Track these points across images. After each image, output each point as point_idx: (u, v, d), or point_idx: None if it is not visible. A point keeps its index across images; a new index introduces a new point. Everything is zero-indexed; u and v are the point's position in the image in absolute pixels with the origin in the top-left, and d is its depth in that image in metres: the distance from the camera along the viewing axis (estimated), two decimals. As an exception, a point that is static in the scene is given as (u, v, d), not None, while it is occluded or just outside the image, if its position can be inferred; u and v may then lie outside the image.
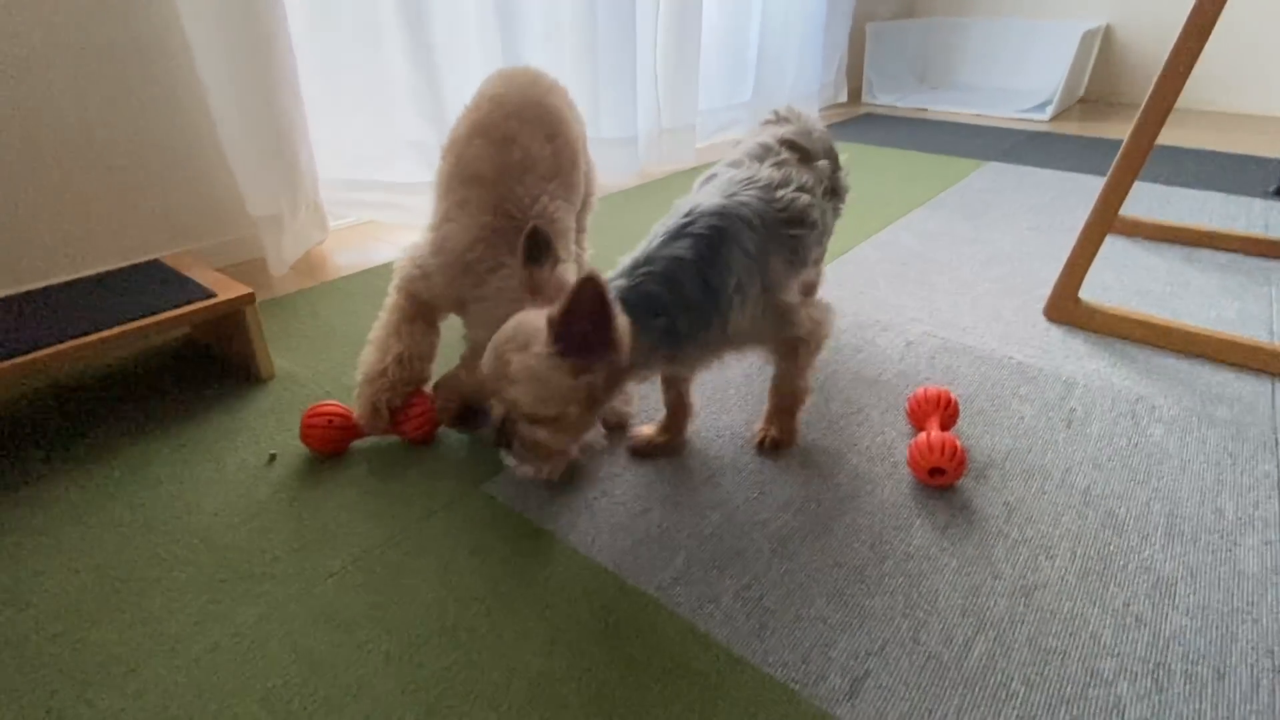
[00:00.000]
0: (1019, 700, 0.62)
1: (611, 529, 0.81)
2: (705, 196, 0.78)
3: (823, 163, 0.91)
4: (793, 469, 0.91)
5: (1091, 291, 1.38)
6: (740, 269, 0.74)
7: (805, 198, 0.82)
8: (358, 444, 0.95)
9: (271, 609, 0.70)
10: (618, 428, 0.97)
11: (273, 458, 0.92)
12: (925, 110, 3.31)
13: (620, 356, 0.67)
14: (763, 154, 0.87)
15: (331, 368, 1.12)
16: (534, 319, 0.68)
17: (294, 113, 1.41)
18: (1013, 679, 0.64)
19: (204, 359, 1.15)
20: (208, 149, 1.39)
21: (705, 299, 0.72)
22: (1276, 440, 0.96)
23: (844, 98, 3.38)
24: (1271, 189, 2.06)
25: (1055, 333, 1.26)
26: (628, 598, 0.72)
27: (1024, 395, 1.06)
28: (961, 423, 1.00)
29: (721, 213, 0.75)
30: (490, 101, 0.96)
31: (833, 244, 1.65)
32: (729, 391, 1.08)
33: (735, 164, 0.86)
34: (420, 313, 0.94)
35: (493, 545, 0.78)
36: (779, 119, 0.97)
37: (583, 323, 0.64)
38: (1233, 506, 0.84)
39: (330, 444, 0.91)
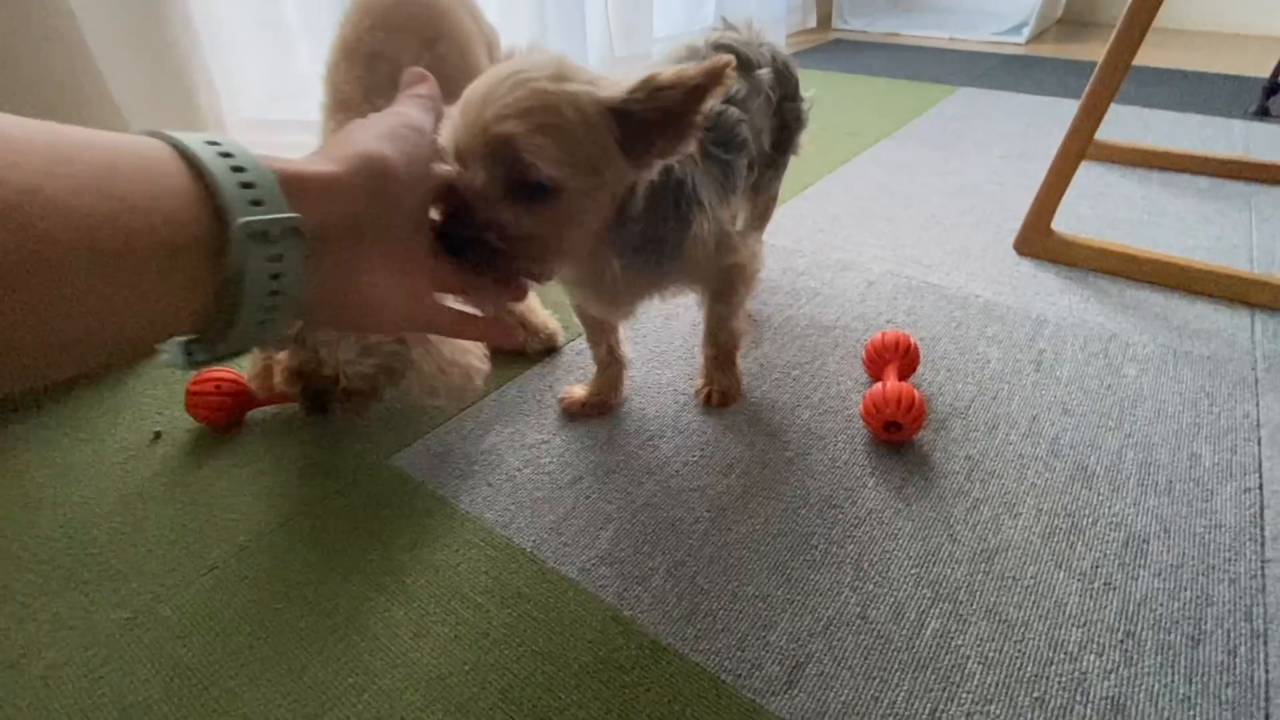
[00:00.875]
0: (974, 682, 0.56)
1: (534, 504, 0.72)
2: None
3: (763, 73, 0.78)
4: (738, 427, 0.83)
5: (1065, 222, 1.30)
6: (671, 189, 0.62)
7: (733, 111, 0.70)
8: (255, 415, 0.85)
9: (138, 612, 0.62)
10: (547, 351, 0.88)
11: (157, 435, 0.82)
12: (897, 35, 3.15)
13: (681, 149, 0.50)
14: (687, 57, 0.75)
15: (236, 330, 1.01)
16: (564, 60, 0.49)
17: (186, 43, 1.25)
18: (969, 658, 0.57)
19: (92, 325, 1.04)
20: (88, 87, 1.23)
21: (649, 221, 0.60)
22: (1256, 377, 0.90)
23: (813, 23, 3.20)
24: (1252, 109, 1.97)
25: (1026, 267, 1.17)
26: (545, 583, 0.64)
27: (991, 336, 0.99)
28: (923, 369, 0.92)
29: None
30: (357, 11, 0.82)
31: (792, 180, 1.55)
32: (674, 343, 0.99)
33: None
34: None
35: (398, 528, 0.70)
36: (726, 25, 0.84)
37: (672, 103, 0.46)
38: (1210, 452, 0.78)
39: (220, 414, 0.81)
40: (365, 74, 0.78)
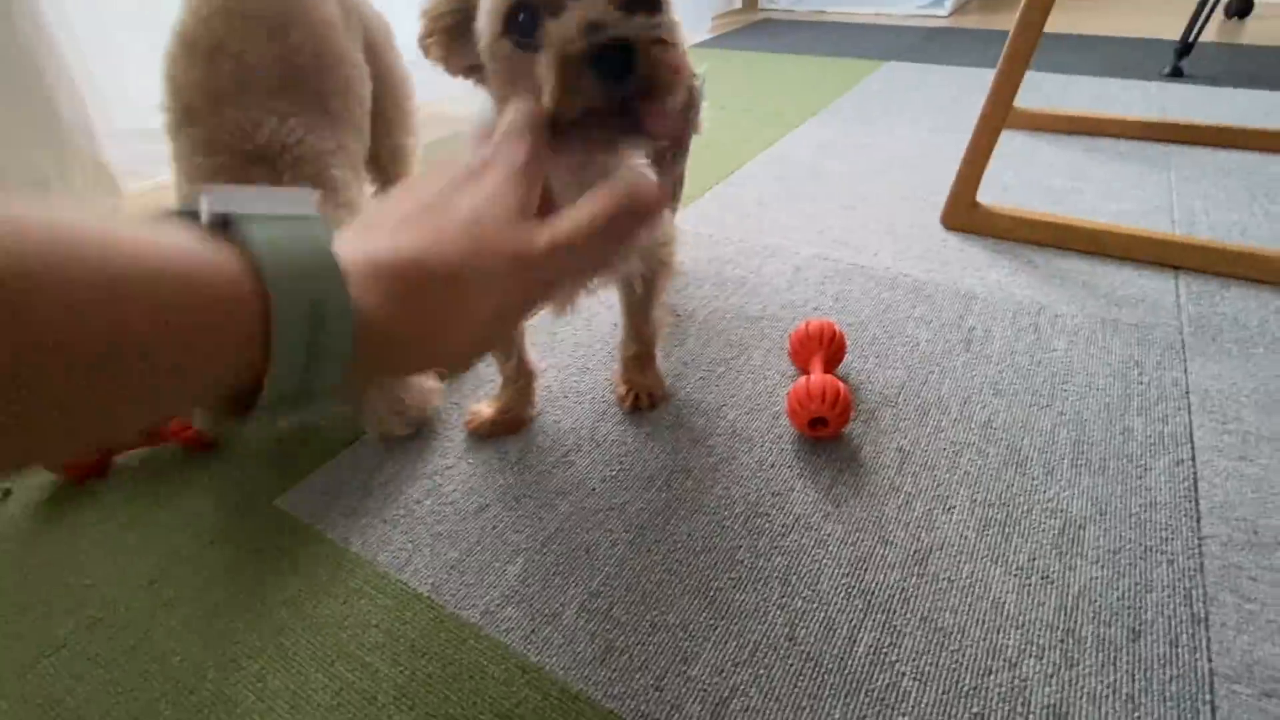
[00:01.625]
0: (910, 701, 0.51)
1: (434, 540, 0.66)
2: None
3: None
4: (660, 434, 0.78)
5: (991, 193, 1.28)
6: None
7: None
8: (125, 460, 0.76)
9: (-35, 710, 0.53)
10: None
11: (7, 493, 0.72)
12: (823, 12, 3.13)
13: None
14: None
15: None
16: None
17: (40, 48, 1.13)
18: (904, 675, 0.53)
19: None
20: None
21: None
22: (1183, 341, 0.88)
23: (739, 3, 3.15)
24: (1166, 71, 2.00)
25: (954, 242, 1.15)
26: (444, 632, 0.57)
27: (920, 317, 0.95)
28: (852, 356, 0.88)
29: None
30: None
31: (717, 165, 1.50)
32: (594, 347, 0.92)
33: None
34: None
35: (278, 581, 0.62)
36: None
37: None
38: (1142, 424, 0.76)
39: (79, 464, 0.72)
40: (206, 73, 0.68)
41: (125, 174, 1.36)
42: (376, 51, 0.86)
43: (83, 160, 1.24)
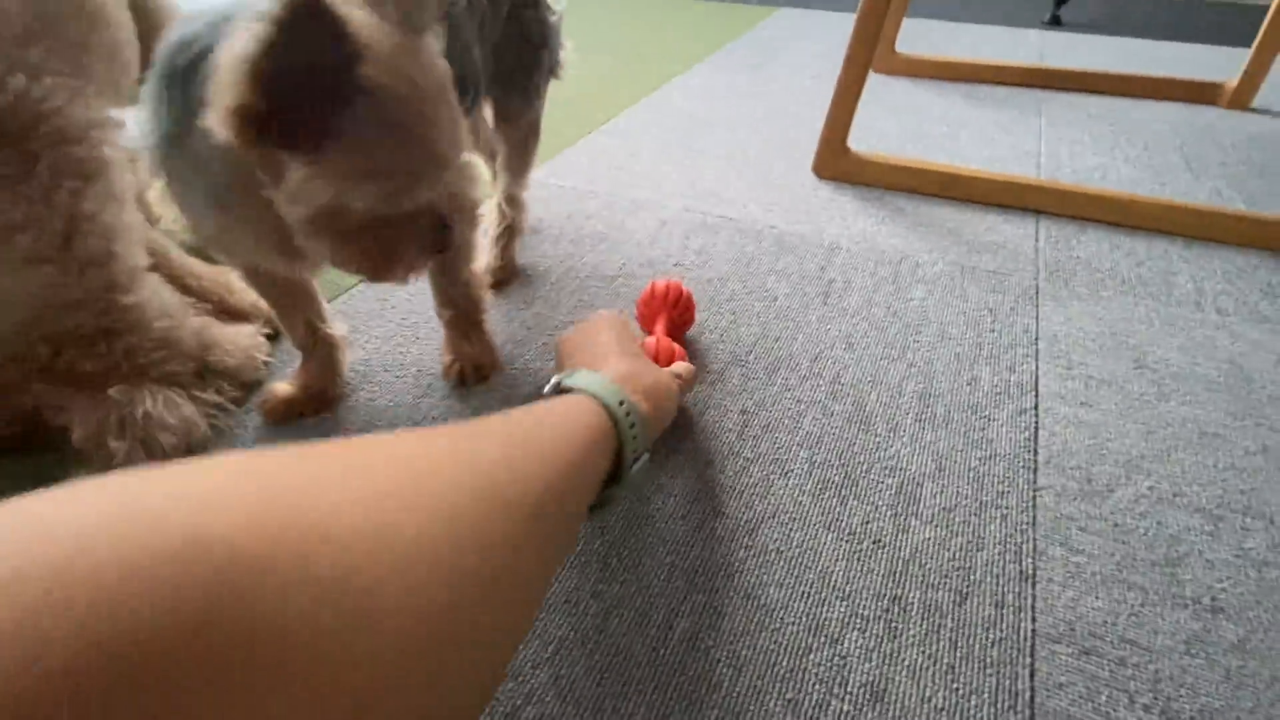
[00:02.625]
0: (722, 692, 0.47)
1: (204, 542, 0.56)
2: None
3: None
4: (490, 408, 0.70)
5: (868, 141, 1.24)
6: None
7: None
8: None
9: None
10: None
11: None
12: (722, -42, 3.02)
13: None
14: None
15: None
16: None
17: None
18: (719, 662, 0.49)
19: None
20: None
21: None
22: (1037, 287, 0.87)
23: (635, -53, 3.01)
24: (1046, 19, 2.01)
25: (825, 192, 1.10)
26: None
27: (781, 270, 0.90)
28: (708, 313, 0.82)
29: None
30: None
31: (597, 111, 1.41)
32: (426, 314, 0.83)
33: None
34: None
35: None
36: None
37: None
38: (989, 373, 0.73)
39: None
40: None
41: None
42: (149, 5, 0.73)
43: None
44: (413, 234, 0.47)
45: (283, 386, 0.68)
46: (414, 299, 0.86)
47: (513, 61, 0.73)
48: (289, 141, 0.39)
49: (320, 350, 0.67)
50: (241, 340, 0.72)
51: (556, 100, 1.42)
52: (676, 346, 0.66)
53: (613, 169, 1.18)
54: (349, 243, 0.45)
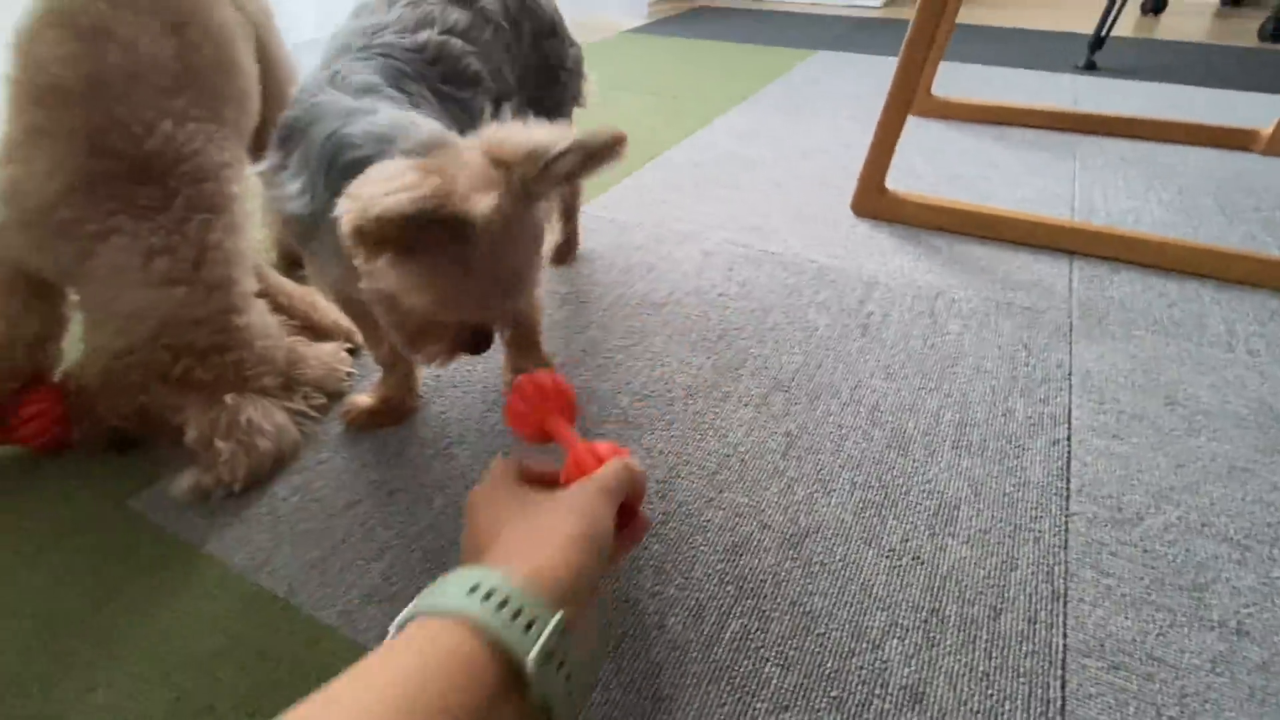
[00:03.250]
0: (771, 687, 0.51)
1: (297, 538, 0.62)
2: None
3: (488, 2, 0.68)
4: (550, 423, 0.75)
5: (904, 180, 1.29)
6: None
7: (456, 43, 0.61)
8: (-35, 464, 0.70)
9: None
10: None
11: None
12: (760, 0, 3.14)
13: None
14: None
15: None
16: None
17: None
18: (767, 660, 0.53)
19: None
20: None
21: None
22: (1071, 324, 0.91)
23: (676, -9, 3.14)
24: (1080, 64, 2.06)
25: (863, 229, 1.15)
26: (296, 635, 0.55)
27: (821, 302, 0.95)
28: (752, 342, 0.87)
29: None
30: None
31: (640, 149, 1.48)
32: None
33: (356, 13, 0.64)
34: (17, 280, 0.68)
35: (120, 586, 0.58)
36: None
37: None
38: (1023, 405, 0.77)
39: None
40: (87, 53, 0.61)
41: None
42: (264, 43, 0.81)
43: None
44: (453, 335, 0.52)
45: (363, 399, 0.74)
46: (477, 322, 0.92)
47: (542, 86, 0.79)
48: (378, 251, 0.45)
49: (400, 367, 0.74)
50: (326, 356, 0.78)
51: (605, 137, 1.51)
52: (598, 444, 0.52)
53: (658, 203, 1.25)
54: (398, 318, 0.51)
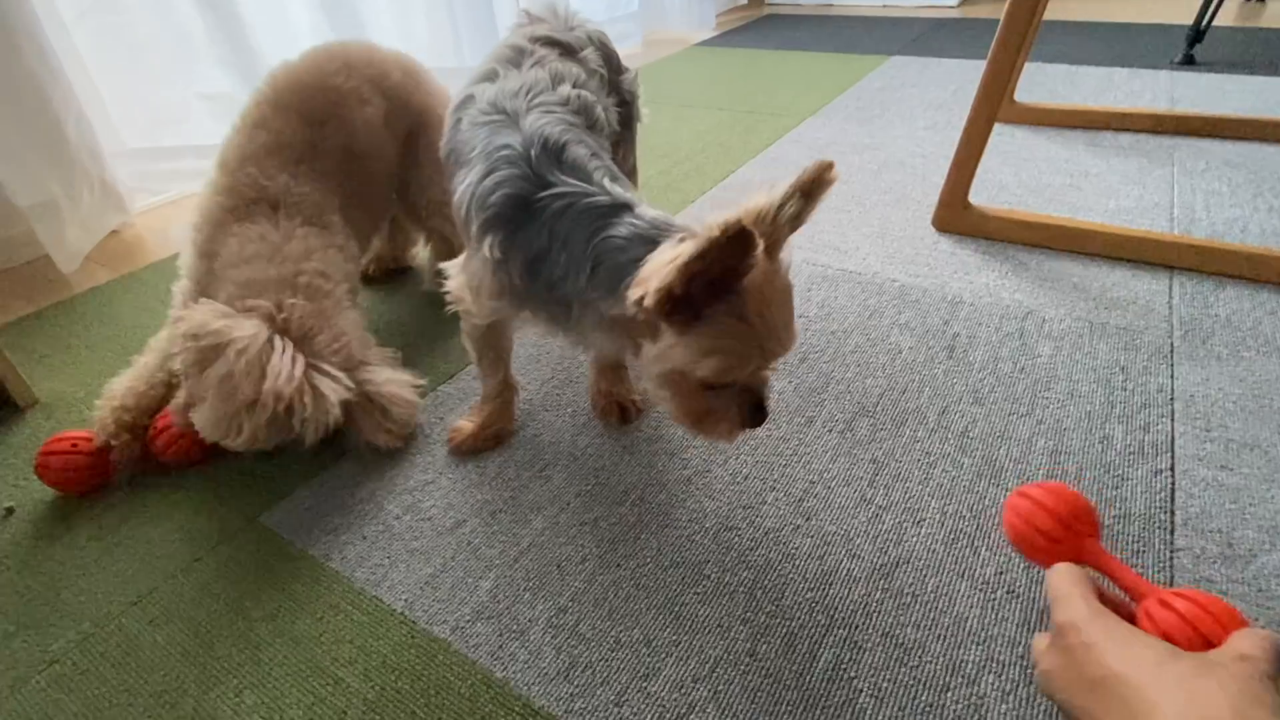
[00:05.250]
0: (866, 717, 0.52)
1: (410, 556, 0.67)
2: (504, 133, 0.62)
3: (589, 54, 0.76)
4: (638, 446, 0.79)
5: (988, 193, 1.27)
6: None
7: (586, 95, 0.67)
8: (120, 479, 0.79)
9: (-38, 723, 0.56)
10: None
11: (9, 511, 0.76)
12: (830, 5, 3.10)
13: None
14: (517, 57, 0.70)
15: (112, 382, 0.94)
16: None
17: (45, 76, 1.17)
18: (861, 691, 0.54)
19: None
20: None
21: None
22: (1172, 345, 0.87)
23: (743, 0, 3.14)
24: (1177, 59, 1.95)
25: (945, 245, 1.14)
26: (414, 648, 0.59)
27: (904, 323, 0.95)
28: (833, 365, 0.88)
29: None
30: (264, 84, 0.88)
31: (713, 167, 1.50)
32: (578, 359, 0.94)
33: (488, 76, 0.69)
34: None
35: (259, 597, 0.64)
36: (532, 19, 0.80)
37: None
38: (1122, 432, 0.75)
39: (74, 479, 0.75)
40: (244, 140, 0.83)
41: (134, 191, 1.40)
42: (426, 129, 0.96)
43: (90, 180, 1.27)
44: (734, 406, 0.56)
45: (466, 424, 0.79)
46: (564, 346, 0.96)
47: (621, 122, 0.83)
48: (671, 316, 0.50)
49: (504, 394, 0.78)
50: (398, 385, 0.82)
51: (674, 158, 1.54)
52: (1214, 600, 0.46)
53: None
54: (685, 400, 0.56)
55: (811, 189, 0.52)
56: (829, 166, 0.52)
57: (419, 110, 0.97)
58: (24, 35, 1.14)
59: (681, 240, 0.51)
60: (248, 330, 0.69)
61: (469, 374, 0.92)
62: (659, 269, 0.48)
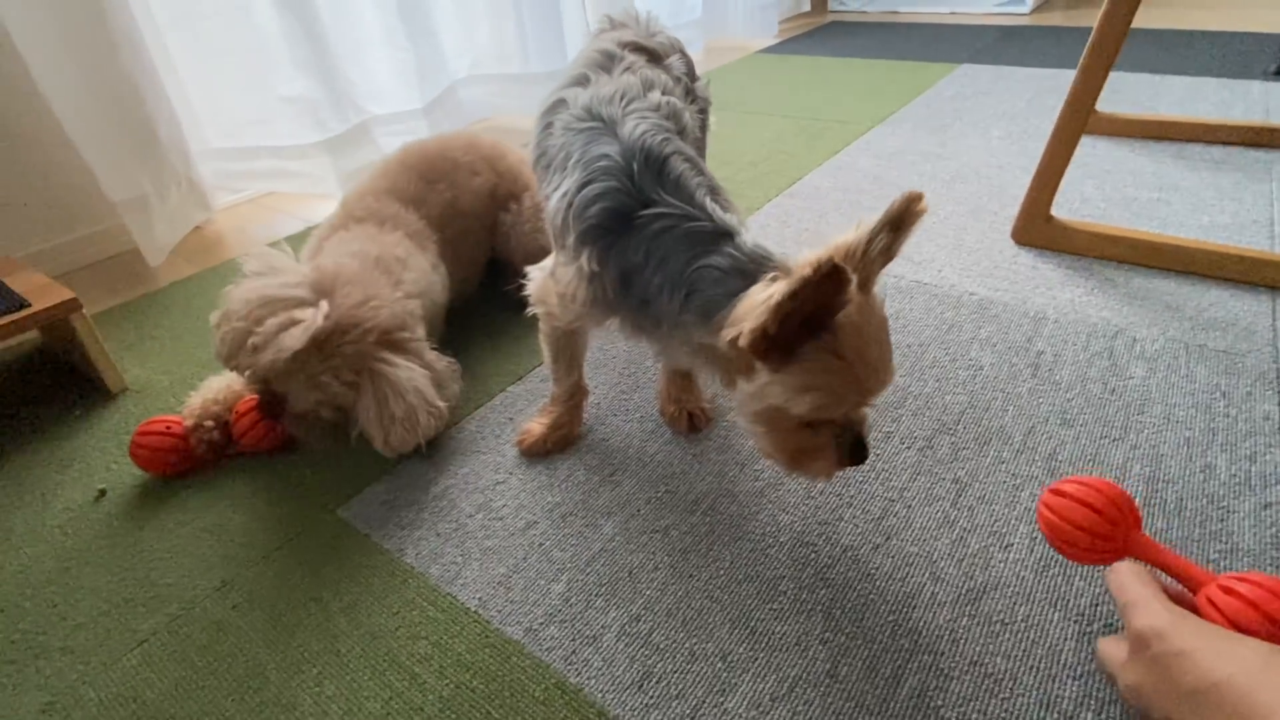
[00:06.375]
0: (956, 750, 0.50)
1: (484, 554, 0.68)
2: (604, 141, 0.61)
3: (674, 60, 0.77)
4: (707, 455, 0.77)
5: (1069, 206, 1.22)
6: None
7: (675, 100, 0.67)
8: (209, 467, 0.81)
9: (59, 695, 0.58)
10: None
11: (102, 493, 0.79)
12: (896, 12, 3.04)
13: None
14: (607, 62, 0.70)
15: (201, 372, 0.96)
16: None
17: (140, 77, 1.23)
18: (949, 721, 0.52)
19: (56, 372, 1.01)
20: (45, 129, 1.21)
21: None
22: (1278, 370, 0.82)
23: (806, 6, 3.11)
24: (1272, 69, 1.85)
25: (1025, 259, 1.10)
26: (488, 647, 0.59)
27: (985, 339, 0.92)
28: (910, 379, 0.85)
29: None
30: (393, 153, 1.03)
31: (779, 175, 1.48)
32: (644, 364, 0.93)
33: (579, 81, 0.69)
34: None
35: (337, 588, 0.65)
36: (614, 25, 0.80)
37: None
38: (1225, 462, 0.71)
39: (164, 462, 0.78)
40: (365, 186, 0.97)
41: (215, 189, 1.46)
42: (519, 196, 1.06)
43: (178, 178, 1.33)
44: (832, 444, 0.55)
45: (535, 427, 0.79)
46: (631, 351, 0.96)
47: (699, 121, 0.82)
48: (767, 355, 0.50)
49: (575, 397, 0.78)
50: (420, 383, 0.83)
51: (738, 165, 1.52)
52: (1226, 581, 0.45)
53: (801, 231, 1.24)
54: (781, 437, 0.55)
55: (901, 221, 0.50)
56: (918, 198, 0.50)
57: (520, 187, 1.08)
58: (123, 38, 1.19)
59: (774, 279, 0.51)
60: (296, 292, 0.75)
61: (536, 376, 0.92)
62: (753, 308, 0.49)
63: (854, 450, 0.55)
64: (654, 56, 0.74)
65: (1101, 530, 0.50)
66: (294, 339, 0.69)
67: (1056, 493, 0.53)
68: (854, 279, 0.46)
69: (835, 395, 0.51)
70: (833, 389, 0.51)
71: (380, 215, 0.91)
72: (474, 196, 1.02)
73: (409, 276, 0.85)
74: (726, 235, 0.56)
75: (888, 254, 0.51)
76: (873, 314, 0.52)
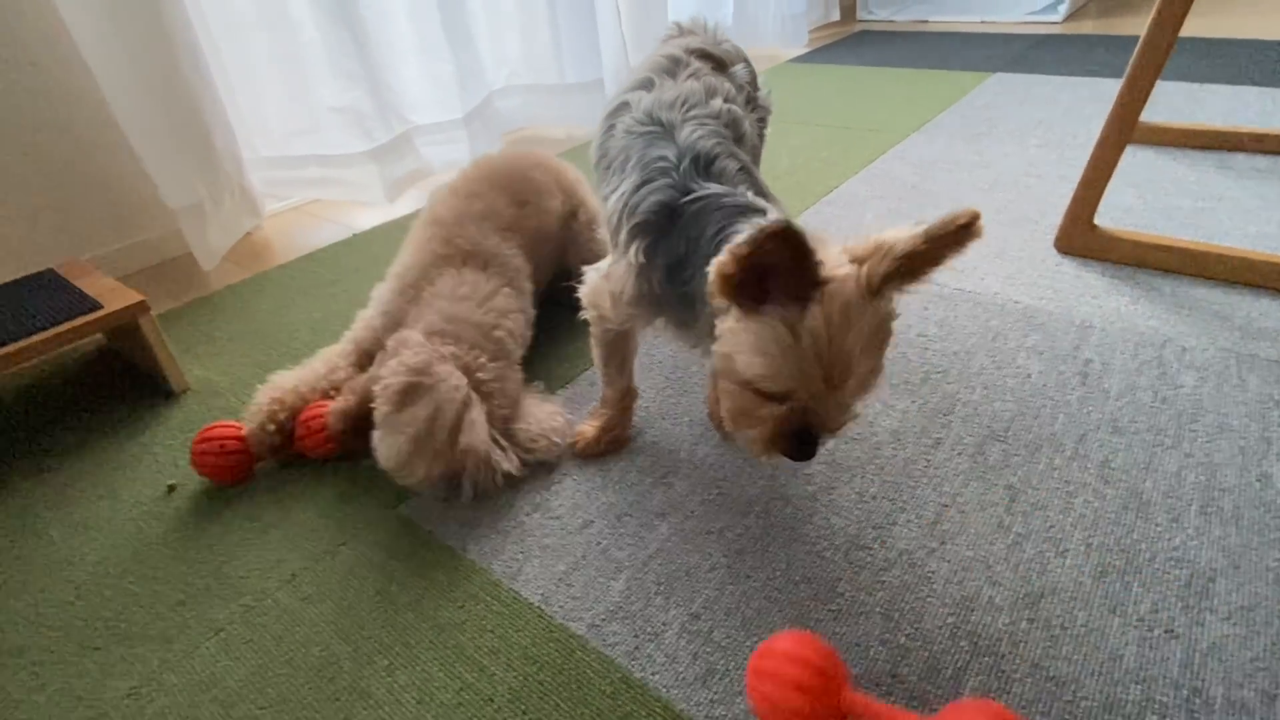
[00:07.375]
0: (1020, 751, 0.50)
1: (543, 552, 0.69)
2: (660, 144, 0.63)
3: (739, 68, 0.78)
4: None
5: (1111, 215, 1.22)
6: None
7: (736, 108, 0.68)
8: (266, 466, 0.84)
9: (144, 681, 0.61)
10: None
11: (171, 489, 0.82)
12: (925, 22, 3.04)
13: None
14: (673, 67, 0.72)
15: (257, 373, 1.00)
16: None
17: (199, 87, 1.27)
18: (1013, 722, 0.52)
19: (120, 371, 1.05)
20: (108, 138, 1.25)
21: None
22: (1333, 381, 0.82)
23: (836, 15, 3.11)
24: (1316, 76, 1.83)
25: (1068, 267, 1.10)
26: (553, 641, 0.61)
27: (1032, 347, 0.92)
28: (957, 387, 0.86)
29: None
30: (473, 168, 1.02)
31: (815, 183, 1.49)
32: (690, 368, 0.95)
33: (644, 85, 0.71)
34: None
35: (403, 582, 0.68)
36: (682, 31, 0.82)
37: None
38: (1282, 471, 0.70)
39: (226, 473, 0.80)
40: (460, 204, 0.96)
41: (264, 197, 1.50)
42: (581, 218, 1.08)
43: (231, 186, 1.37)
44: (779, 427, 0.53)
45: (588, 429, 0.81)
46: (678, 355, 0.97)
47: (758, 130, 0.84)
48: (740, 299, 0.50)
49: (625, 400, 0.80)
50: (544, 417, 0.83)
51: (773, 173, 1.54)
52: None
53: (838, 238, 1.25)
54: (732, 391, 0.54)
55: (952, 240, 0.49)
56: (975, 218, 0.48)
57: (579, 203, 1.09)
58: (183, 49, 1.24)
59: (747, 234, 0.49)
60: (454, 380, 0.73)
61: (585, 380, 0.94)
62: (724, 257, 0.48)
63: (794, 438, 0.52)
64: (719, 64, 0.76)
65: (810, 696, 0.47)
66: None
67: (765, 656, 0.50)
68: (865, 273, 0.48)
69: (782, 372, 0.49)
70: (781, 363, 0.49)
71: (484, 252, 0.91)
72: (554, 219, 1.04)
73: (515, 347, 0.87)
74: (757, 210, 0.57)
75: (921, 272, 0.50)
76: (864, 314, 0.49)
